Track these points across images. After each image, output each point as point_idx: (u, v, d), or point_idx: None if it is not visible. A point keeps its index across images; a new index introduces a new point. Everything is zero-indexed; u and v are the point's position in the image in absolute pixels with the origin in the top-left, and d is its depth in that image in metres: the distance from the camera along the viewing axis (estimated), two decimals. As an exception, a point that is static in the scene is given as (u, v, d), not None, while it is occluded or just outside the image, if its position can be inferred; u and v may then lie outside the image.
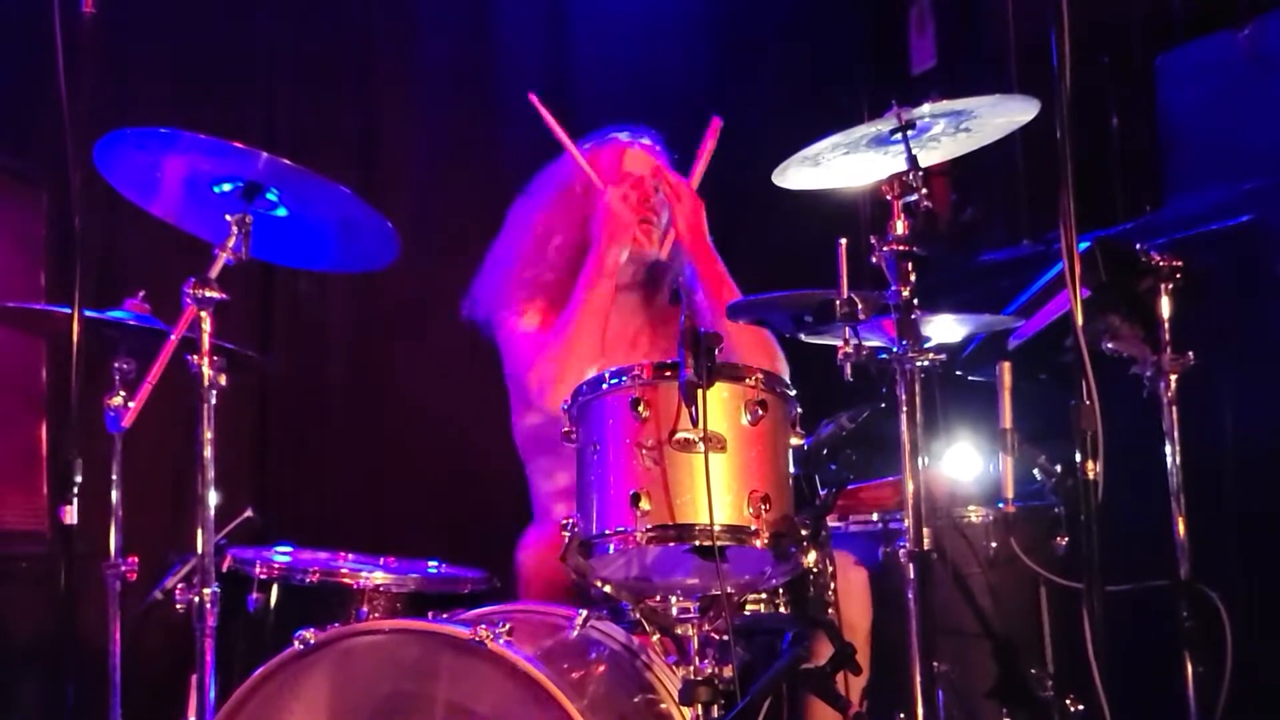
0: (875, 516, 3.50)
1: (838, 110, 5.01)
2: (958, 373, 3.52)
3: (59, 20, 3.17)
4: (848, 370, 2.80)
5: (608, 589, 2.64)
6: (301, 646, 2.59)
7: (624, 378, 2.57)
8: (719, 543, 2.45)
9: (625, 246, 3.59)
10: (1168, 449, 3.31)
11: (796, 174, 3.06)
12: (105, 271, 4.24)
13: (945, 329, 3.20)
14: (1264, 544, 3.88)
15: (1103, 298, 3.30)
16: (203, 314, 2.86)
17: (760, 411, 2.54)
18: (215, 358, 2.87)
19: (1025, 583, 3.38)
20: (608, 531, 2.53)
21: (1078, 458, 2.66)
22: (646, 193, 3.71)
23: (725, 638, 2.58)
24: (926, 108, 2.87)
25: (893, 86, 5.20)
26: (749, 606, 2.74)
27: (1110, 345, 3.33)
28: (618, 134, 3.84)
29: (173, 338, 2.86)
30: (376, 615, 3.15)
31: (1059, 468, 3.32)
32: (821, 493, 2.73)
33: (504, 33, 5.21)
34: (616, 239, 3.57)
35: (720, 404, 2.51)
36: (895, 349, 2.79)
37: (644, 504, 2.47)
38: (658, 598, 2.65)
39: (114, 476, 3.19)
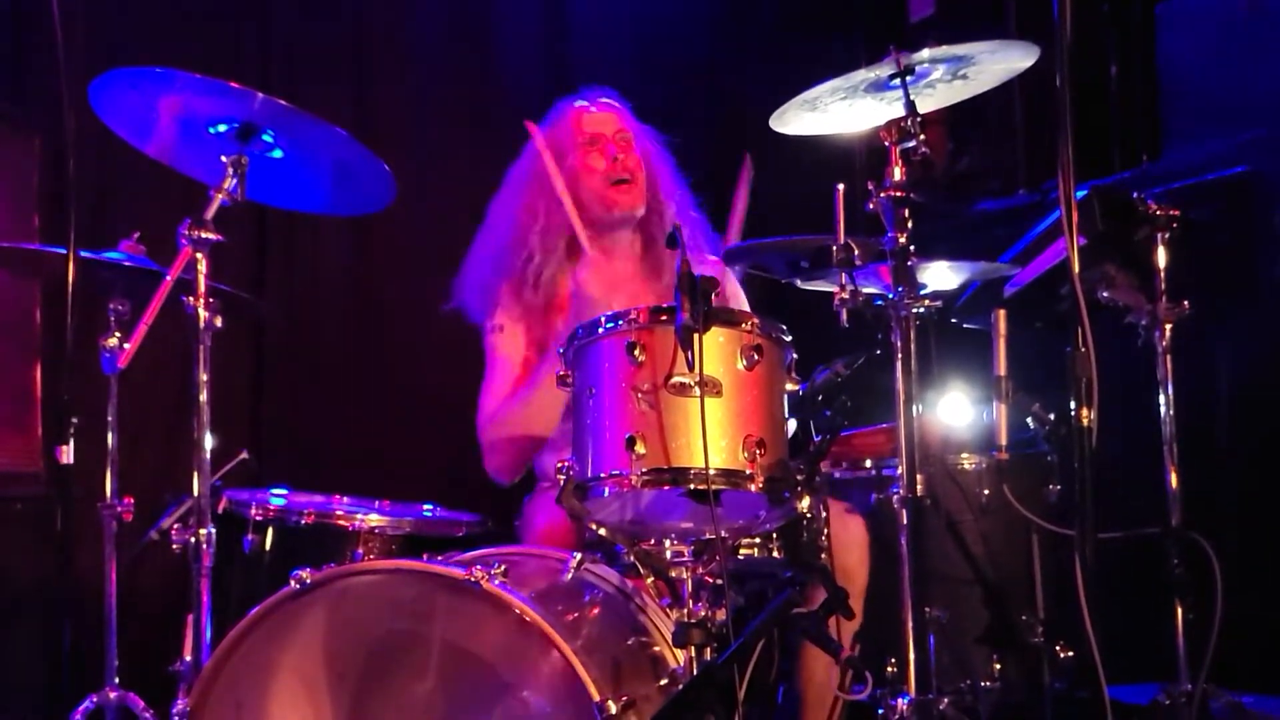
0: (869, 463, 3.51)
1: (834, 59, 5.00)
2: (953, 320, 3.52)
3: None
4: (843, 316, 2.81)
5: (603, 532, 2.64)
6: (298, 586, 2.60)
7: (620, 321, 2.57)
8: (713, 486, 2.45)
9: None
10: (1161, 397, 3.32)
11: (795, 118, 3.05)
12: (100, 213, 4.23)
13: (941, 276, 3.19)
14: (1255, 492, 3.90)
15: (1099, 246, 3.30)
16: (198, 255, 2.86)
17: (756, 356, 2.54)
18: (211, 299, 2.87)
19: (1017, 530, 3.40)
20: (603, 475, 2.53)
21: (1071, 405, 2.66)
22: (614, 151, 3.67)
23: (719, 581, 2.59)
24: (926, 53, 2.86)
25: (890, 34, 5.17)
26: (743, 551, 2.75)
27: (1106, 294, 3.33)
28: (573, 101, 3.77)
29: (168, 279, 2.86)
30: (371, 557, 3.16)
31: (1052, 415, 3.33)
32: (816, 438, 2.73)
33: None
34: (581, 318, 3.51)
35: (716, 348, 2.51)
36: (891, 295, 2.80)
37: (639, 447, 2.47)
38: (652, 541, 2.65)
39: (110, 418, 3.20)
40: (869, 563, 3.29)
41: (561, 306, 3.60)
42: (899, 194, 2.81)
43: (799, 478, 2.58)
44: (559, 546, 3.10)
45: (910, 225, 2.81)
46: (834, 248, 2.81)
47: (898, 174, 2.82)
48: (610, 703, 2.43)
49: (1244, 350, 4.00)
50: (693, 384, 2.47)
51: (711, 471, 2.45)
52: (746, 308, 3.70)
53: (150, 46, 4.28)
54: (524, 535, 3.57)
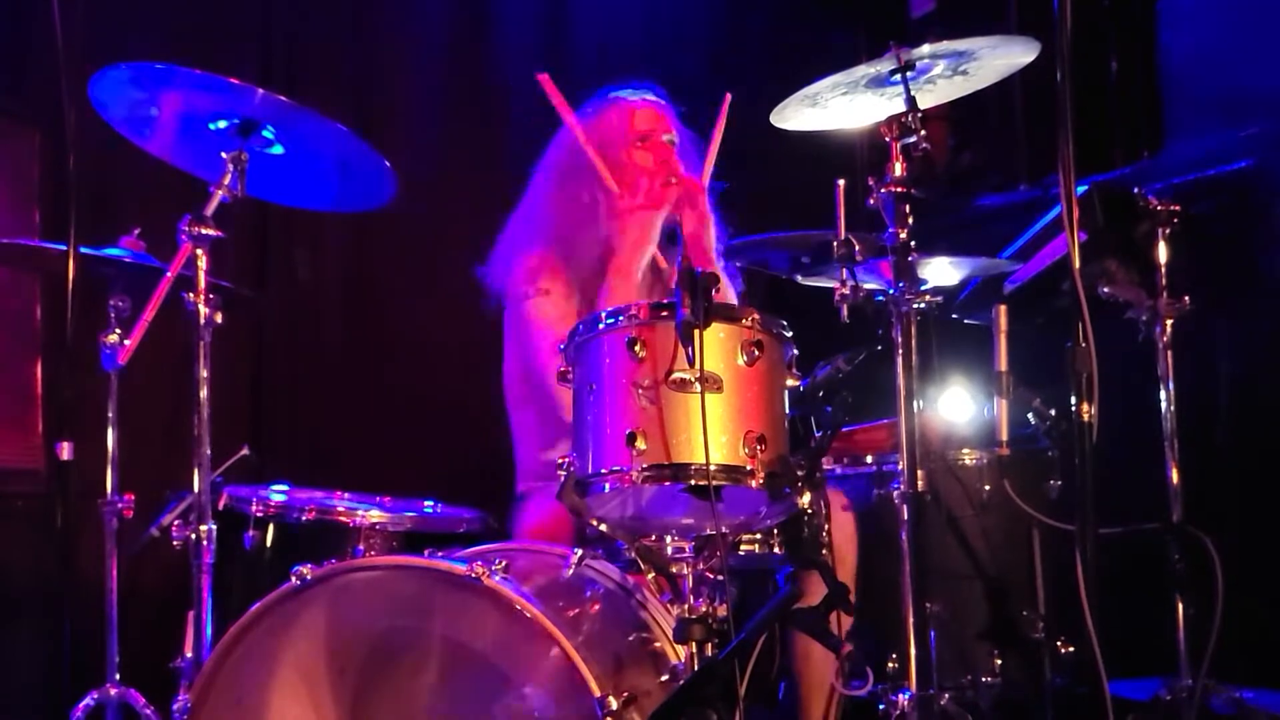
0: (870, 459, 3.50)
1: (835, 54, 5.00)
2: (953, 316, 3.52)
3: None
4: (844, 312, 2.81)
5: (603, 528, 2.64)
6: (299, 582, 2.60)
7: (621, 317, 2.56)
8: (714, 482, 2.45)
9: (647, 250, 3.49)
10: (1162, 393, 3.32)
11: (795, 114, 3.05)
12: (100, 209, 4.22)
13: (942, 272, 3.20)
14: (1256, 487, 3.91)
15: (1100, 242, 3.30)
16: (199, 251, 2.86)
17: (757, 352, 2.53)
18: (211, 295, 2.87)
19: (1018, 525, 3.40)
20: (604, 471, 2.52)
21: (1072, 401, 2.67)
22: (664, 152, 3.66)
23: (720, 577, 2.59)
24: (927, 48, 2.86)
25: (891, 30, 5.17)
26: (744, 546, 2.75)
27: (1106, 290, 3.33)
28: (619, 93, 3.76)
29: (169, 275, 2.86)
30: (372, 553, 3.16)
31: (1053, 411, 3.33)
32: (817, 434, 2.73)
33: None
34: (640, 248, 3.47)
35: (717, 344, 2.50)
36: (891, 291, 2.80)
37: (640, 443, 2.47)
38: (653, 537, 2.65)
39: (110, 414, 3.20)
40: (856, 552, 3.30)
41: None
42: (900, 189, 2.81)
43: (799, 473, 2.58)
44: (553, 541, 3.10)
45: (911, 221, 2.81)
46: (835, 243, 2.81)
47: (899, 169, 2.82)
48: (611, 698, 2.43)
49: (1245, 345, 4.01)
50: (693, 380, 2.46)
51: (712, 467, 2.45)
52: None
53: (151, 42, 4.28)
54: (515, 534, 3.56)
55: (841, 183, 2.83)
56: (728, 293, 3.64)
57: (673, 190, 3.55)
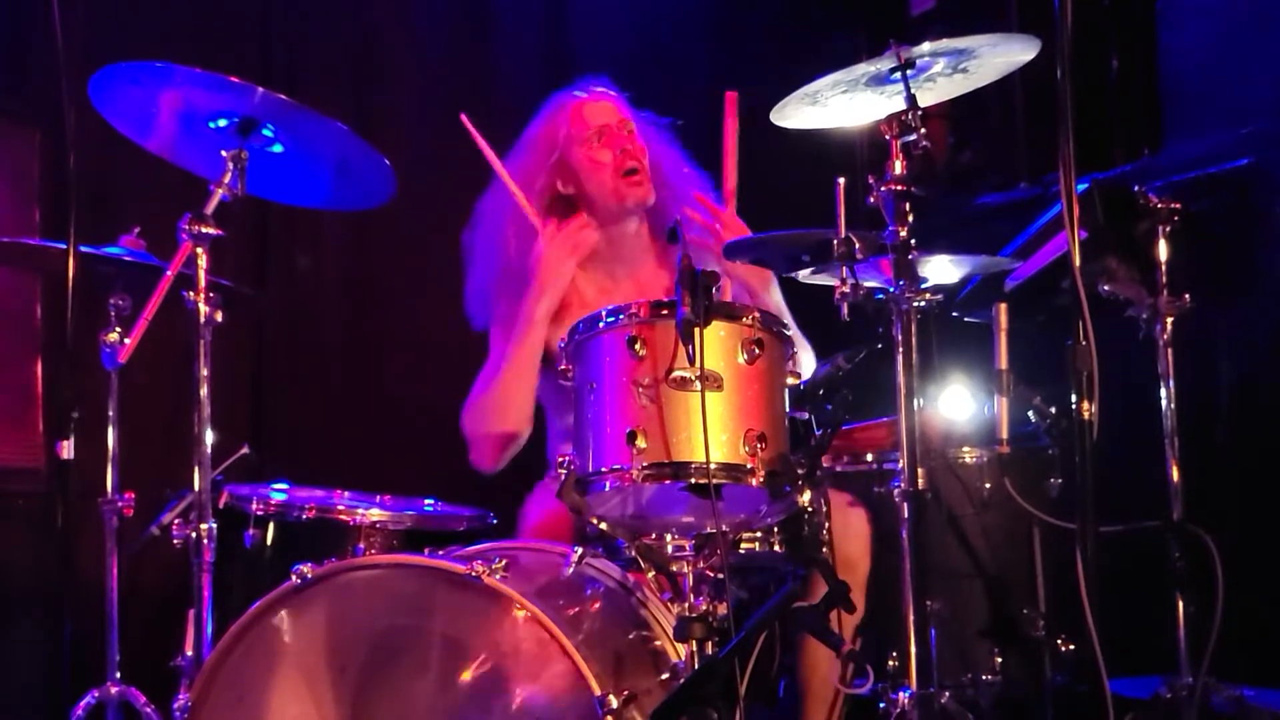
0: (870, 457, 3.50)
1: (835, 52, 5.00)
2: (954, 314, 3.51)
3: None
4: (844, 310, 2.81)
5: (604, 526, 2.64)
6: (299, 580, 2.61)
7: (621, 316, 2.56)
8: (714, 481, 2.45)
9: (558, 294, 3.48)
10: (1162, 391, 3.32)
11: (796, 112, 3.05)
12: (100, 208, 4.22)
13: (942, 270, 3.19)
14: (1256, 486, 3.90)
15: (1100, 240, 3.30)
16: (199, 250, 2.86)
17: (757, 350, 2.54)
18: (211, 294, 2.88)
19: (1018, 523, 3.39)
20: (604, 469, 2.53)
21: (1072, 399, 2.67)
22: (621, 142, 3.64)
23: (720, 575, 2.59)
24: (927, 46, 2.86)
25: (891, 28, 5.16)
26: (744, 545, 2.75)
27: (1107, 288, 3.33)
28: (566, 93, 3.75)
29: (169, 274, 2.86)
30: (372, 552, 3.16)
31: (1054, 409, 3.33)
32: (817, 432, 2.73)
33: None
34: (548, 288, 3.46)
35: (717, 343, 2.51)
36: (892, 289, 2.80)
37: (640, 442, 2.47)
38: (653, 535, 2.65)
39: (110, 413, 3.20)
40: (871, 553, 3.29)
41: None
42: (900, 188, 2.80)
43: (800, 472, 2.58)
44: (554, 539, 3.10)
45: (911, 219, 2.81)
46: (835, 241, 2.81)
47: (899, 168, 2.81)
48: (611, 697, 2.43)
49: (1245, 343, 4.01)
50: (694, 378, 2.47)
51: (712, 466, 2.45)
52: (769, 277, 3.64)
53: (151, 41, 4.28)
54: (520, 528, 3.56)
55: (842, 181, 2.83)
56: (771, 286, 3.62)
57: (634, 180, 3.55)
